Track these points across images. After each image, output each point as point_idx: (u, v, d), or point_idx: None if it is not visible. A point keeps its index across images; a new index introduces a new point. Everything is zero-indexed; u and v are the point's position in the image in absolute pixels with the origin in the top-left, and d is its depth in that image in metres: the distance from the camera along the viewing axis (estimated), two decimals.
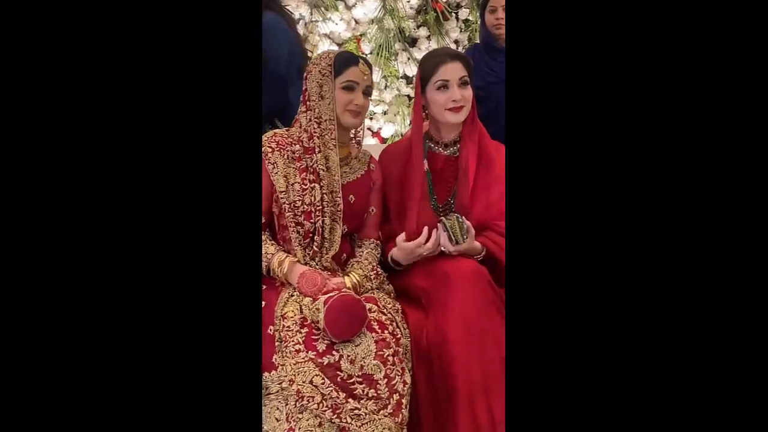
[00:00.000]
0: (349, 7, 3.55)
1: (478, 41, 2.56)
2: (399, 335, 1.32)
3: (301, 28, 2.45)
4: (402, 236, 1.49)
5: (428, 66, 1.55)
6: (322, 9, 3.53)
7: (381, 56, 3.66)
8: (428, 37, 3.61)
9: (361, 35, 3.67)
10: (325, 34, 3.57)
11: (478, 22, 2.48)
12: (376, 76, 3.47)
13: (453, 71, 1.51)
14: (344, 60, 1.44)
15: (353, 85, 1.43)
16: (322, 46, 3.48)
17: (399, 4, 3.59)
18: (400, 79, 3.73)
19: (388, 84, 3.70)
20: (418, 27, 3.69)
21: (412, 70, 3.70)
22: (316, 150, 1.41)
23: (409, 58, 3.74)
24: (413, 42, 3.71)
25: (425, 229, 1.48)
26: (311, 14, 3.50)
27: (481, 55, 2.36)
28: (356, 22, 3.52)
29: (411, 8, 3.61)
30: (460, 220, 1.47)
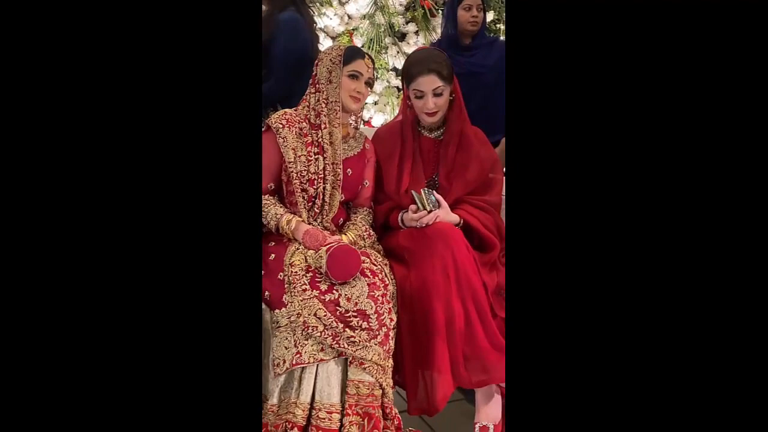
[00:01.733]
0: (342, 3, 3.73)
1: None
2: (387, 282, 1.58)
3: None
4: (412, 206, 1.72)
5: (408, 72, 1.77)
6: (318, 4, 3.74)
7: (372, 50, 3.86)
8: (416, 32, 3.79)
9: (353, 30, 3.87)
10: (320, 28, 3.78)
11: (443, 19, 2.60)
12: None
13: (428, 83, 1.72)
14: (353, 52, 1.70)
15: (358, 74, 1.68)
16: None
17: (389, 1, 3.78)
18: (390, 72, 3.95)
19: (379, 76, 3.91)
20: (407, 23, 3.89)
21: (401, 63, 3.90)
22: (322, 126, 1.66)
23: (398, 52, 3.94)
24: (402, 37, 3.92)
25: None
26: None
27: (444, 50, 2.54)
28: (349, 17, 3.69)
29: (400, 5, 3.78)
30: (428, 192, 1.72)
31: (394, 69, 3.93)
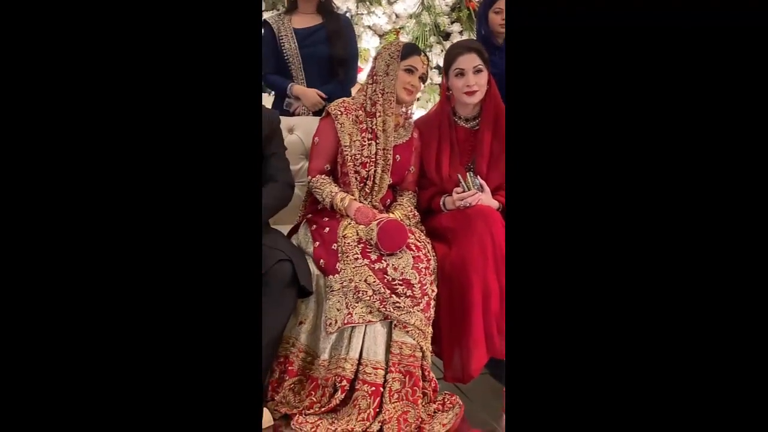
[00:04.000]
0: (390, 3, 3.86)
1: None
2: (430, 257, 1.74)
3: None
4: (457, 189, 1.88)
5: (449, 56, 1.93)
6: (367, 3, 3.90)
7: None
8: (461, 32, 3.87)
9: (400, 28, 4.00)
10: (368, 26, 3.94)
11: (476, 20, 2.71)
12: None
13: (468, 61, 1.87)
14: (410, 49, 1.87)
15: (413, 69, 1.85)
16: (365, 37, 3.86)
17: (436, 2, 3.86)
18: (434, 69, 4.09)
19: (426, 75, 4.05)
20: (452, 23, 3.98)
21: None
22: (377, 115, 1.84)
23: (442, 51, 4.02)
24: (447, 36, 4.01)
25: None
26: (357, 7, 3.87)
27: None
28: (396, 16, 3.79)
29: (446, 5, 3.86)
30: (472, 176, 1.88)
31: (438, 67, 4.06)
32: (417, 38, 3.96)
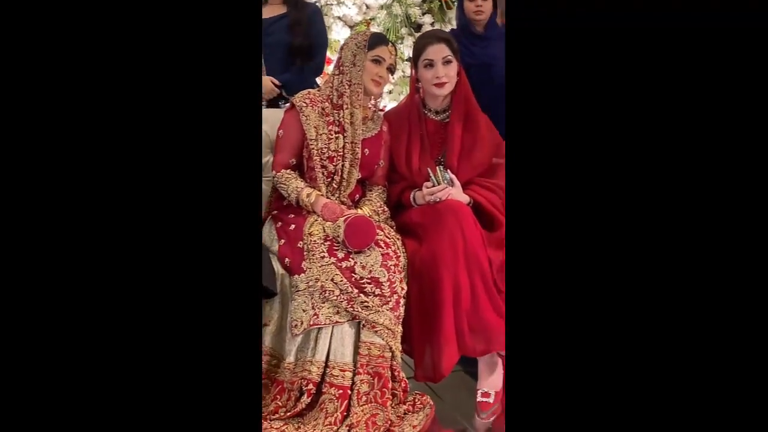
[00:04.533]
0: None
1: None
2: (399, 254, 1.68)
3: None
4: (427, 183, 1.83)
5: (418, 47, 1.89)
6: None
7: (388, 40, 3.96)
8: (432, 24, 3.83)
9: (371, 19, 3.94)
10: (338, 17, 3.86)
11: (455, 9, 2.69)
12: None
13: (437, 52, 1.83)
14: (377, 39, 1.81)
15: (381, 60, 1.79)
16: (335, 28, 3.79)
17: None
18: (405, 62, 4.04)
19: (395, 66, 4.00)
20: (424, 14, 3.95)
21: None
22: (344, 107, 1.77)
23: (414, 43, 4.04)
24: (418, 27, 3.97)
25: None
26: None
27: (459, 39, 2.45)
28: (367, 6, 3.73)
29: None
30: (442, 170, 1.83)
31: (410, 59, 4.00)
32: (388, 30, 3.90)
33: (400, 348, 1.64)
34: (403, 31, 3.97)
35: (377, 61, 1.79)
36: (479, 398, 1.73)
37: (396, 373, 1.62)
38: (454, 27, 3.95)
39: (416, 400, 1.66)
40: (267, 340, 1.63)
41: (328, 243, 1.62)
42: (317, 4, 3.48)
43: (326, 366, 1.57)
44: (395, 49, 1.84)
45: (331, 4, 3.73)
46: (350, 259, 1.60)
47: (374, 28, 3.75)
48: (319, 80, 2.43)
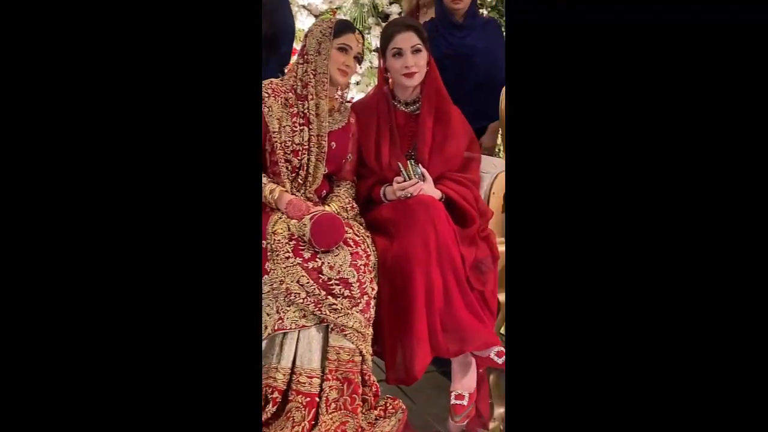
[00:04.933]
0: None
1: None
2: (369, 253, 1.60)
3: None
4: (398, 178, 1.75)
5: (386, 35, 1.80)
6: None
7: None
8: (400, 13, 3.82)
9: (337, 8, 3.87)
10: (303, 6, 3.76)
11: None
12: None
13: (406, 40, 1.75)
14: (343, 26, 1.71)
15: (347, 47, 1.69)
16: (300, 17, 3.68)
17: None
18: (373, 52, 3.97)
19: (362, 56, 3.93)
20: (391, 3, 3.91)
21: None
22: (309, 98, 1.67)
23: (381, 31, 3.97)
24: (386, 17, 3.92)
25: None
26: None
27: (438, 29, 2.45)
28: None
29: None
30: (413, 164, 1.76)
31: (377, 50, 3.94)
32: (354, 19, 3.85)
33: (371, 351, 1.57)
34: (370, 20, 3.92)
35: (343, 49, 1.70)
36: (453, 401, 1.67)
37: (366, 378, 1.55)
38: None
39: (388, 405, 1.58)
40: None
41: (294, 242, 1.53)
42: None
43: (292, 372, 1.48)
44: (362, 37, 1.75)
45: None
46: (317, 260, 1.51)
47: (340, 17, 3.68)
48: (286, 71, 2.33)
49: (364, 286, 1.53)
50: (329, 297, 1.48)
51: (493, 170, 1.96)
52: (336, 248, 1.53)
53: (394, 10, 3.80)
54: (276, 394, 1.46)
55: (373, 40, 3.86)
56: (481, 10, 2.86)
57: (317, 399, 1.46)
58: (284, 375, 1.47)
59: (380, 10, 3.89)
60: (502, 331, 2.05)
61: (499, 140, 2.55)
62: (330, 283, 1.50)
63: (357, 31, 1.74)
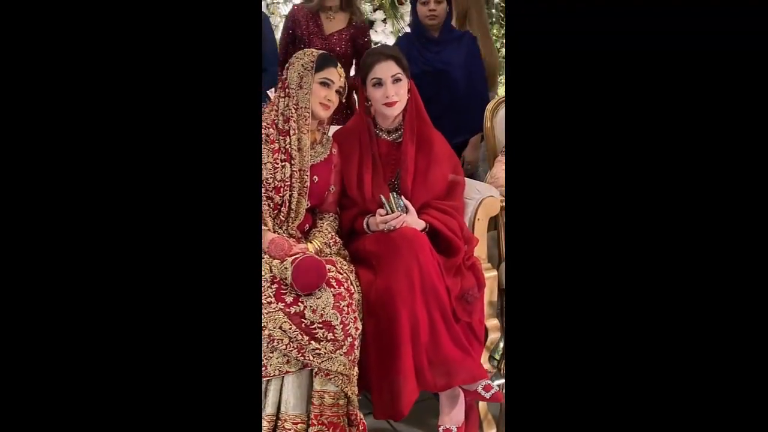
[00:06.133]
0: None
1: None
2: (353, 291, 1.59)
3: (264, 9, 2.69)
4: (380, 210, 1.74)
5: (365, 65, 1.78)
6: None
7: None
8: (384, 20, 3.76)
9: None
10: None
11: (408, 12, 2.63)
12: None
13: (385, 69, 1.73)
14: (324, 60, 1.69)
15: (329, 82, 1.68)
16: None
17: None
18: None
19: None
20: (375, 10, 3.86)
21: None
22: (291, 132, 1.65)
23: (366, 40, 3.94)
24: (370, 24, 3.89)
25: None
26: None
27: (413, 44, 2.47)
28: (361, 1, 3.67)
29: None
30: (396, 196, 1.74)
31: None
32: None
33: (356, 391, 1.56)
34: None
35: (325, 83, 1.67)
36: None
37: (353, 418, 1.54)
38: (407, 24, 3.88)
39: None
40: None
41: (275, 286, 1.52)
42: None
43: (277, 418, 1.48)
44: (344, 70, 1.73)
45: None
46: (299, 304, 1.50)
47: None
48: (270, 93, 2.29)
49: (347, 328, 1.52)
50: (312, 342, 1.47)
51: (477, 196, 1.94)
52: (318, 290, 1.52)
53: (378, 17, 3.74)
54: None
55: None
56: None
57: None
58: (269, 422, 1.47)
59: (364, 17, 3.84)
60: (497, 356, 2.05)
61: (482, 153, 2.54)
62: (313, 327, 1.48)
63: (339, 64, 1.71)
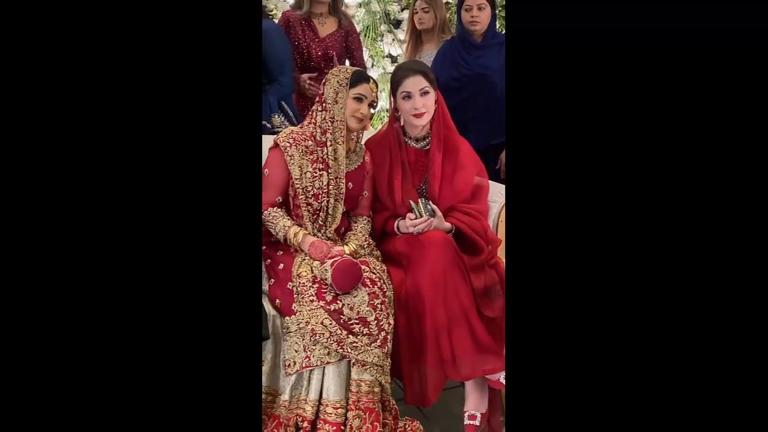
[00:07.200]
0: None
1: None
2: (385, 289, 1.75)
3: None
4: (410, 215, 1.89)
5: (395, 79, 1.93)
6: None
7: (368, 37, 3.95)
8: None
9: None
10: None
11: (455, 19, 2.73)
12: (365, 54, 3.77)
13: (414, 84, 1.87)
14: (359, 77, 1.85)
15: (362, 97, 1.83)
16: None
17: None
18: (386, 58, 4.05)
19: (375, 63, 4.02)
20: (402, 10, 3.96)
21: (396, 50, 4.01)
22: (328, 144, 1.82)
23: (393, 39, 4.04)
24: (398, 24, 3.98)
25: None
26: None
27: (456, 48, 2.59)
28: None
29: None
30: (425, 202, 1.89)
31: (389, 56, 4.01)
32: (367, 27, 3.90)
33: (389, 380, 1.72)
34: (383, 28, 3.97)
35: (359, 99, 1.83)
36: (466, 421, 1.83)
37: (387, 404, 1.71)
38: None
39: (407, 427, 1.74)
40: (263, 378, 1.71)
41: (317, 286, 1.69)
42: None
43: (319, 403, 1.65)
44: (376, 85, 1.87)
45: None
46: (338, 302, 1.67)
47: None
48: (275, 118, 2.43)
49: (381, 323, 1.69)
50: (350, 336, 1.64)
51: (500, 199, 2.08)
52: (354, 290, 1.68)
53: (406, 17, 3.85)
54: (306, 424, 1.63)
55: (386, 46, 3.94)
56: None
57: (342, 428, 1.63)
58: (312, 406, 1.64)
59: (392, 18, 3.95)
60: None
61: None
62: (350, 323, 1.65)
63: (372, 80, 1.86)
